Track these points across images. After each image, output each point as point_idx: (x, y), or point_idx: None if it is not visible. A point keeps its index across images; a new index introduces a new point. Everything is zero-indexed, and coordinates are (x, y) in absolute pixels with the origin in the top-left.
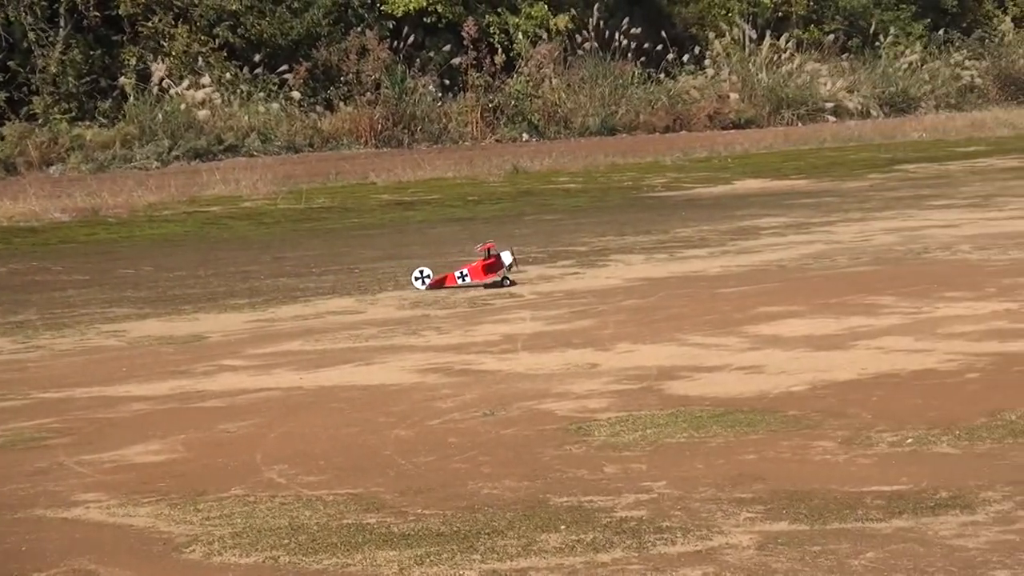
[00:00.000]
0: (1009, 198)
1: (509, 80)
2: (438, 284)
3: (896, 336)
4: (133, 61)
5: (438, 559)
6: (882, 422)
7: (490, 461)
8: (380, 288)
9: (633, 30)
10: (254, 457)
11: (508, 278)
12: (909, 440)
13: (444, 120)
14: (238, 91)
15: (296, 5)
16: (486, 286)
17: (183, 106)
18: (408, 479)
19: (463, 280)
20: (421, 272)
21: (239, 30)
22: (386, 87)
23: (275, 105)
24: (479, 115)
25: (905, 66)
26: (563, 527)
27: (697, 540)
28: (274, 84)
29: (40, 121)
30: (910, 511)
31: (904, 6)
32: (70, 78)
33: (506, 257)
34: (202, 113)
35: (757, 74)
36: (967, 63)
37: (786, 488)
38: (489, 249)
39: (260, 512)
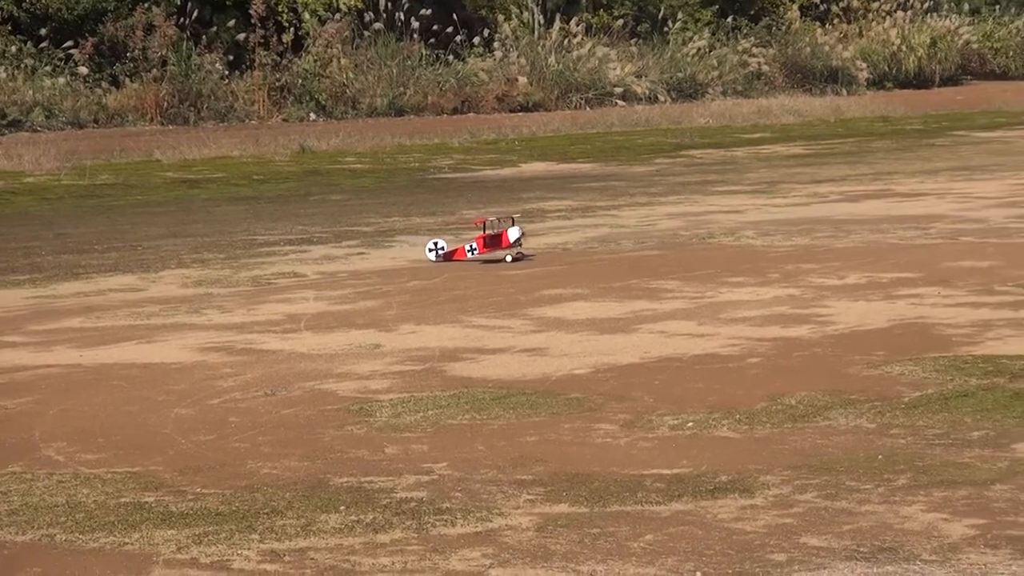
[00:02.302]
0: (793, 185)
1: (297, 59)
2: (449, 257)
3: (679, 320)
4: None
5: (216, 538)
6: (664, 406)
7: (270, 441)
8: (163, 266)
9: (423, 11)
10: (32, 434)
11: (520, 251)
12: (690, 424)
13: (230, 98)
14: (23, 65)
15: None
16: (484, 260)
17: None
18: (187, 458)
19: (472, 253)
20: (435, 244)
21: (24, 3)
22: (172, 64)
23: (60, 80)
24: (266, 94)
25: (693, 52)
26: (343, 507)
27: (477, 521)
28: (60, 59)
29: None
30: (689, 494)
31: None
32: None
33: (513, 233)
34: None
35: (546, 57)
36: (754, 50)
37: (567, 470)
38: (483, 223)
39: (37, 490)
